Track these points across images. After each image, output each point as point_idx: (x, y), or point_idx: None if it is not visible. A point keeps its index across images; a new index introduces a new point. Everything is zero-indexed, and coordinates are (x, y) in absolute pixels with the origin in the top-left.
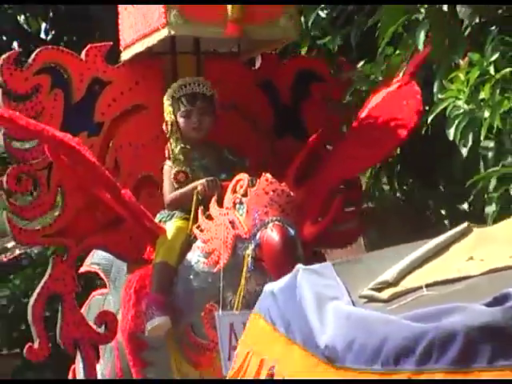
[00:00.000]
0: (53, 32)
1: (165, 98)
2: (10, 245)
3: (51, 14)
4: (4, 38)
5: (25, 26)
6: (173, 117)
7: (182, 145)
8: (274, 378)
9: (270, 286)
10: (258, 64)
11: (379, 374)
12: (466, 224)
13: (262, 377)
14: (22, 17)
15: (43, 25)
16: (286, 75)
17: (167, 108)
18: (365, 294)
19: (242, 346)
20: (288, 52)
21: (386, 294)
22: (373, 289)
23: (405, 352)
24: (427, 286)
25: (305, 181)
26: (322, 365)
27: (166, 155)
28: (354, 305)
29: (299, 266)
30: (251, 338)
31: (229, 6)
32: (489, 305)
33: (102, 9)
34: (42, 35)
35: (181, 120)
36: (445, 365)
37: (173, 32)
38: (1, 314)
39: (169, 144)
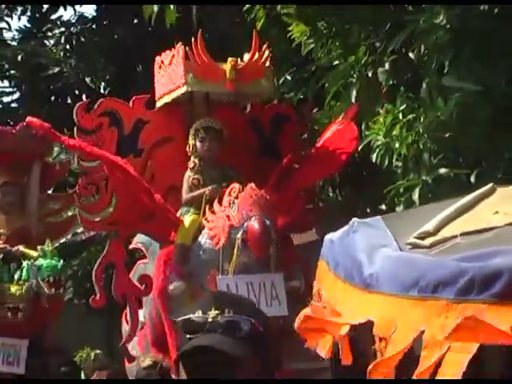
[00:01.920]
0: (108, 88)
1: (191, 129)
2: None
3: (108, 76)
4: (76, 92)
5: (90, 85)
6: (193, 141)
7: (198, 160)
8: (323, 303)
9: (329, 236)
10: (248, 109)
11: (414, 299)
12: (491, 184)
13: (318, 303)
14: (88, 78)
15: (102, 83)
16: (267, 116)
17: (191, 136)
18: (410, 242)
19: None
20: (265, 102)
21: (427, 241)
22: (416, 237)
23: (444, 283)
24: (461, 235)
25: (279, 187)
26: (357, 291)
27: (189, 167)
28: (401, 250)
29: (354, 219)
30: (317, 278)
31: (227, 71)
32: None
33: (142, 76)
34: (102, 90)
35: (198, 144)
36: (489, 297)
37: (189, 89)
38: (73, 276)
39: (191, 160)
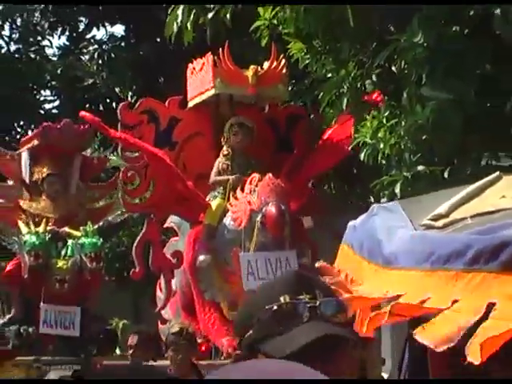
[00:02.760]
0: (135, 97)
1: (227, 123)
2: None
3: (134, 87)
4: (107, 100)
5: (119, 94)
6: (228, 134)
7: (230, 150)
8: (351, 285)
9: (353, 222)
10: (266, 109)
11: (426, 271)
12: (497, 172)
13: (348, 285)
14: (118, 88)
15: (130, 93)
16: (282, 116)
17: (226, 129)
18: (424, 223)
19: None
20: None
21: (440, 223)
22: (430, 219)
23: (455, 254)
24: (471, 216)
25: (291, 177)
26: (380, 269)
27: (222, 153)
28: (415, 231)
29: (374, 204)
30: (339, 261)
31: (249, 76)
32: None
33: (163, 86)
34: (129, 99)
35: (232, 137)
36: (496, 267)
37: (217, 91)
38: (105, 257)
39: (224, 149)
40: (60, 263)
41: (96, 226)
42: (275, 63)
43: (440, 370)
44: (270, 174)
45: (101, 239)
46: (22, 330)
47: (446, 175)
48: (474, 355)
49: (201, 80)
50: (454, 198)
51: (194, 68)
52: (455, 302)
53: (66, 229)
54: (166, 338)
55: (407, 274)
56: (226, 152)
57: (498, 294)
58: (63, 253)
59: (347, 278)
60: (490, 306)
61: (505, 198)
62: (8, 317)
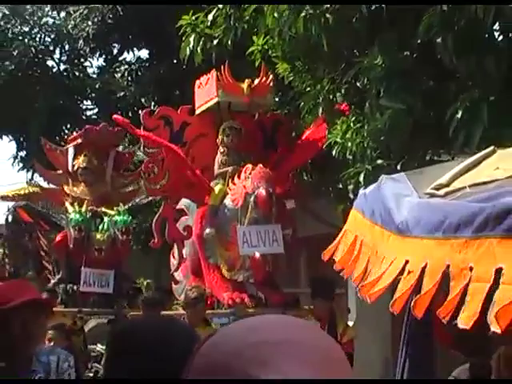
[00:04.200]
0: (156, 106)
1: (221, 127)
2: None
3: (156, 98)
4: (135, 108)
5: (144, 104)
6: (222, 136)
7: (225, 148)
8: (364, 246)
9: (363, 190)
10: (256, 116)
11: (439, 240)
12: (492, 147)
13: (357, 246)
14: (143, 99)
15: (152, 103)
16: (269, 122)
17: (221, 132)
18: (428, 192)
19: (343, 230)
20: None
21: (442, 191)
22: (433, 188)
23: (464, 223)
24: (469, 186)
25: (276, 169)
26: (393, 236)
27: (219, 152)
28: (420, 199)
29: (383, 175)
30: (348, 224)
31: (244, 88)
32: None
33: (178, 98)
34: (152, 107)
35: (225, 138)
36: (501, 232)
37: (219, 100)
38: (134, 230)
39: (220, 148)
40: (98, 236)
41: (126, 207)
42: (264, 78)
43: (442, 332)
44: (261, 165)
45: (130, 217)
46: (68, 288)
47: (399, 167)
48: (494, 325)
49: (206, 91)
50: (453, 170)
51: (200, 83)
52: (471, 269)
53: (103, 208)
54: (184, 299)
55: (421, 242)
56: (222, 150)
57: (503, 259)
58: (100, 227)
59: (356, 239)
60: (498, 272)
61: (498, 169)
62: (57, 277)
